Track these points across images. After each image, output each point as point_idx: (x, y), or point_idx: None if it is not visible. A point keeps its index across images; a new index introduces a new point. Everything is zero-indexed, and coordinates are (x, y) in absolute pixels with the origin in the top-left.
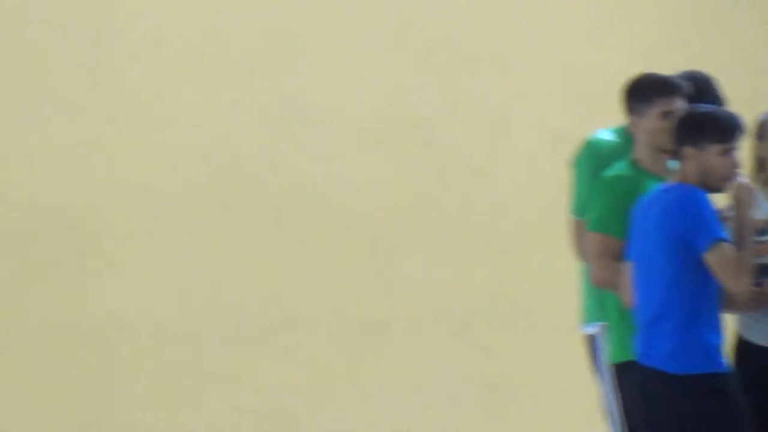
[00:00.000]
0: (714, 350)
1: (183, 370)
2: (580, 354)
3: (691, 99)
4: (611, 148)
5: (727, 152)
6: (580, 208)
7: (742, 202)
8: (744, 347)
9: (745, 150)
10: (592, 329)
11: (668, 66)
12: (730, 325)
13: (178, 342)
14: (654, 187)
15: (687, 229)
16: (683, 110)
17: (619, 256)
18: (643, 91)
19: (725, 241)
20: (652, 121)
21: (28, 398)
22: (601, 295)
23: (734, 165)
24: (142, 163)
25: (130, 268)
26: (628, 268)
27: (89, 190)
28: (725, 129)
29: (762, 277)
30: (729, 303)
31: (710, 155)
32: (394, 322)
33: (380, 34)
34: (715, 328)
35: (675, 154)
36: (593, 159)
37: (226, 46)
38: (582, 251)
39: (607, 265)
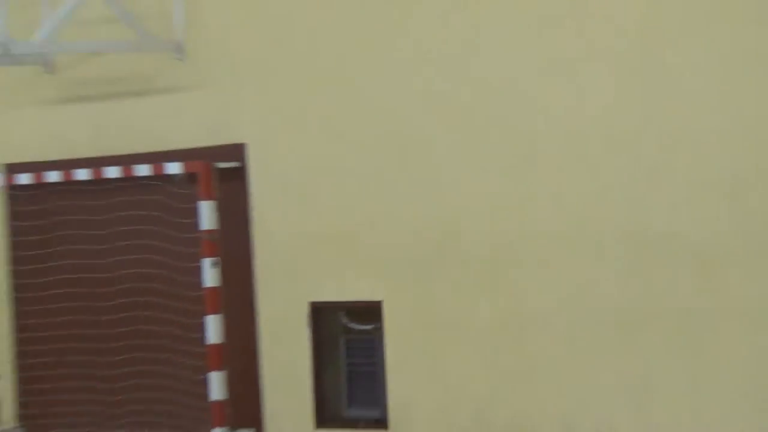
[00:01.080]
0: None
1: (582, 354)
2: None
3: None
4: None
5: None
6: None
7: None
8: None
9: None
10: None
11: None
12: None
13: (581, 332)
14: None
15: None
16: None
17: None
18: None
19: None
20: None
21: (461, 378)
22: None
23: None
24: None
25: (540, 271)
26: None
27: (507, 215)
28: None
29: None
30: None
31: None
32: None
33: None
34: None
35: None
36: None
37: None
38: None
39: None
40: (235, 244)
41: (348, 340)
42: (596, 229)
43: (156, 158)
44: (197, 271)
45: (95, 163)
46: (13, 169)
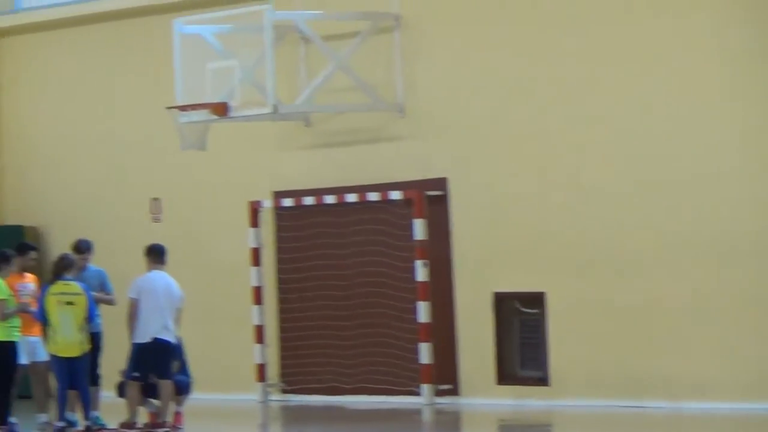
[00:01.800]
0: None
1: (700, 341)
2: None
3: None
4: None
5: None
6: None
7: None
8: None
9: None
10: None
11: None
12: None
13: (701, 322)
14: None
15: None
16: None
17: None
18: None
19: None
20: None
21: (600, 348)
22: None
23: None
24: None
25: (656, 273)
26: None
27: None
28: None
29: None
30: None
31: None
32: None
33: None
34: None
35: None
36: None
37: None
38: None
39: None
40: (439, 250)
41: (520, 320)
42: (692, 245)
43: (382, 188)
44: (411, 270)
45: (338, 191)
46: (280, 195)
